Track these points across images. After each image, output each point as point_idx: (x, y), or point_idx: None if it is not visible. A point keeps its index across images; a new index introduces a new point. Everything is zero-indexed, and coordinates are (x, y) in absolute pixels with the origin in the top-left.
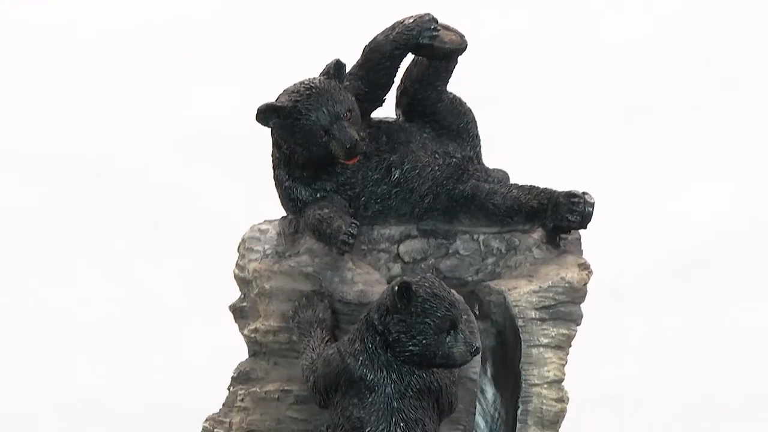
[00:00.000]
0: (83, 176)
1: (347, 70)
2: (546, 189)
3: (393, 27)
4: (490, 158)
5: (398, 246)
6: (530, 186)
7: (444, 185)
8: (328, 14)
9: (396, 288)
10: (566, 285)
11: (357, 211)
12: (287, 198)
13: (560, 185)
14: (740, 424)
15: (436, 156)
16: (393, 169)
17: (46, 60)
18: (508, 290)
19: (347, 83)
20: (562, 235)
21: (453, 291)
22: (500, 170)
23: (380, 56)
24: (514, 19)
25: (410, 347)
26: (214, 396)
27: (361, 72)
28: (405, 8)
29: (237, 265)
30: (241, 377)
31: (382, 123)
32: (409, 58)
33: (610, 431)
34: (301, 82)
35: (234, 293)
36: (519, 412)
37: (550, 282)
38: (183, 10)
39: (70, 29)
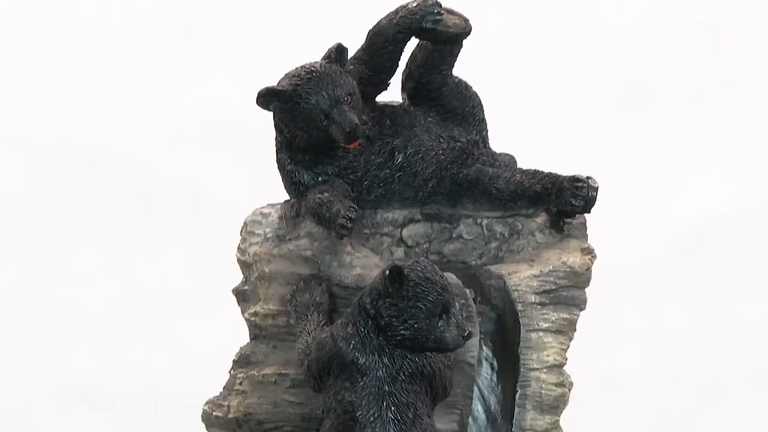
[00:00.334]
0: (85, 161)
1: (351, 54)
2: (550, 173)
3: (396, 11)
4: (493, 143)
5: (401, 230)
6: (534, 170)
7: (448, 169)
8: None
9: (387, 272)
10: (567, 269)
11: (360, 195)
12: (289, 182)
13: (564, 170)
14: (741, 410)
15: (441, 140)
16: (396, 153)
17: (47, 49)
18: (508, 274)
19: (351, 67)
20: (567, 220)
21: (453, 275)
22: (507, 154)
23: (384, 40)
24: (517, 3)
25: (402, 331)
26: (217, 379)
27: (365, 56)
28: None
29: (239, 248)
30: (241, 360)
31: (386, 107)
32: (415, 42)
33: (611, 417)
34: (302, 66)
35: (238, 277)
36: (517, 396)
37: (551, 266)
38: None
39: (72, 18)
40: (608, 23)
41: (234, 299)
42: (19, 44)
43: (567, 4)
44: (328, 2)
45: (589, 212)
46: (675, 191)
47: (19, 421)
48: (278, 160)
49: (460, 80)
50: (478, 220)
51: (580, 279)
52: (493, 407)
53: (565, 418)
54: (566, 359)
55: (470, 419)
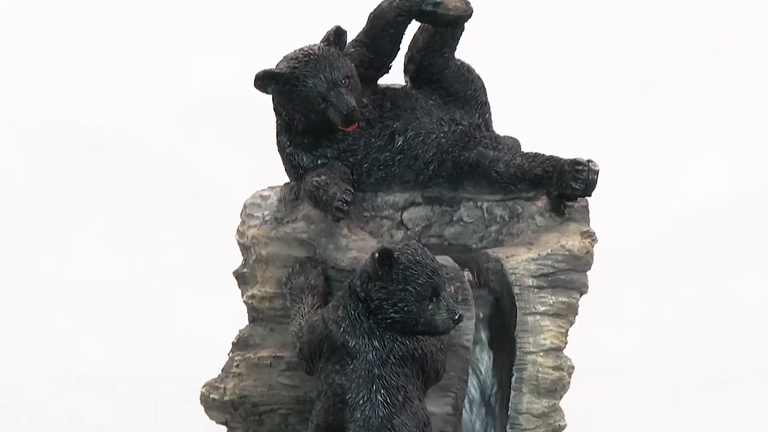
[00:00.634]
0: (87, 144)
1: (352, 37)
2: (551, 157)
3: None
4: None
5: (402, 213)
6: (535, 153)
7: (449, 152)
8: None
9: (377, 255)
10: (566, 253)
11: (360, 178)
12: (289, 164)
13: (565, 153)
14: (741, 393)
15: (442, 123)
16: (396, 136)
17: (50, 30)
18: (506, 258)
19: (352, 50)
20: (569, 203)
21: (450, 258)
22: (511, 137)
23: (384, 23)
24: None
25: (392, 314)
26: (217, 362)
27: (366, 39)
28: None
29: (238, 231)
30: (240, 343)
31: (387, 90)
32: (417, 25)
33: (611, 400)
34: (300, 49)
35: (239, 259)
36: (513, 379)
37: (549, 250)
38: None
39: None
40: (610, 6)
41: (236, 282)
42: (21, 26)
43: None
44: None
45: (590, 195)
46: (675, 175)
47: (20, 402)
48: (278, 143)
49: (462, 63)
50: (479, 204)
51: (579, 263)
52: (489, 391)
53: (564, 402)
54: (565, 343)
55: (466, 402)
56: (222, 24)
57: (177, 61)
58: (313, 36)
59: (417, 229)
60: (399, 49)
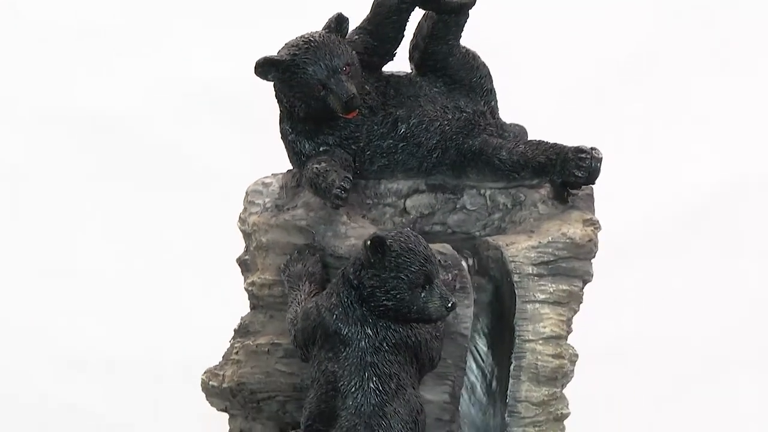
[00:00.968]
0: (89, 128)
1: (358, 24)
2: (555, 144)
3: None
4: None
5: (405, 200)
6: (538, 141)
7: (453, 140)
8: None
9: (369, 242)
10: (567, 241)
11: (362, 165)
12: (291, 151)
13: (568, 141)
14: (743, 379)
15: (446, 110)
16: (399, 124)
17: (51, 18)
18: (506, 245)
19: (356, 37)
20: (573, 191)
21: (449, 246)
22: (518, 125)
23: (387, 10)
24: None
25: (384, 302)
26: (222, 349)
27: (369, 26)
28: None
29: (239, 218)
30: (241, 330)
31: (391, 77)
32: (422, 12)
33: (612, 387)
34: (301, 36)
35: (242, 246)
36: (512, 367)
37: (550, 237)
38: None
39: None
40: None
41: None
42: (22, 14)
43: None
44: None
45: (593, 183)
46: (677, 164)
47: (20, 388)
48: (281, 130)
49: (467, 50)
50: (482, 191)
51: (581, 250)
52: (488, 379)
53: (567, 389)
54: (566, 331)
55: (464, 390)
56: (225, 10)
57: (184, 46)
58: (316, 23)
59: (416, 215)
60: (403, 36)
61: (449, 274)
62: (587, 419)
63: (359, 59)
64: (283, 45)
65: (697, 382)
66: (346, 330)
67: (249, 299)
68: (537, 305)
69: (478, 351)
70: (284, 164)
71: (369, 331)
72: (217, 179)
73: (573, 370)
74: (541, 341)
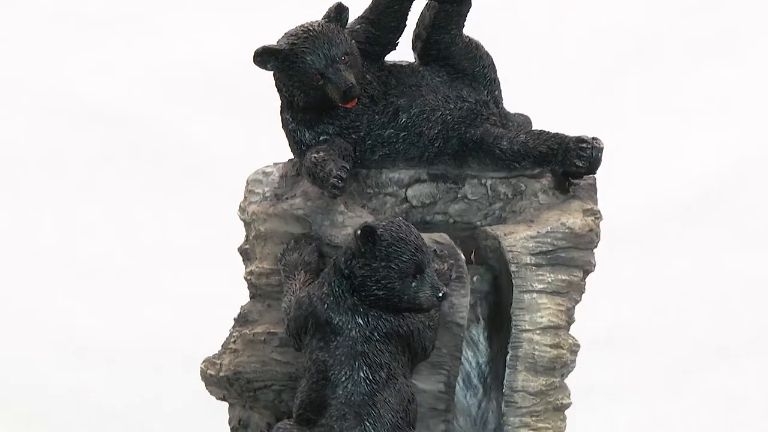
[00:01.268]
0: (91, 118)
1: (360, 14)
2: (556, 134)
3: None
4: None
5: (407, 190)
6: (540, 131)
7: (455, 129)
8: None
9: (359, 232)
10: (567, 230)
11: (363, 154)
12: (292, 141)
13: (568, 129)
14: (743, 366)
15: (448, 100)
16: (400, 113)
17: (50, 1)
18: (504, 235)
19: (358, 27)
20: (574, 181)
21: (446, 235)
22: (522, 115)
23: (388, 0)
24: None
25: (375, 291)
26: (222, 338)
27: (371, 15)
28: None
29: (239, 207)
30: (240, 319)
31: (393, 67)
32: (424, 1)
33: (609, 374)
34: (300, 26)
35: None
36: (508, 357)
37: (548, 227)
38: None
39: None
40: None
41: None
42: None
43: None
44: None
45: (594, 173)
46: (678, 152)
47: (21, 375)
48: (282, 120)
49: (470, 40)
50: (483, 181)
51: (580, 240)
52: (485, 368)
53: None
54: (566, 321)
55: (460, 380)
56: None
57: (185, 33)
58: (316, 12)
59: (417, 204)
60: (405, 26)
61: (445, 264)
62: (588, 408)
63: (360, 49)
64: (283, 34)
65: (699, 371)
66: (337, 319)
67: (248, 288)
68: (534, 295)
69: (474, 341)
70: (286, 153)
71: (360, 320)
72: (219, 168)
73: (574, 360)
74: (538, 331)
